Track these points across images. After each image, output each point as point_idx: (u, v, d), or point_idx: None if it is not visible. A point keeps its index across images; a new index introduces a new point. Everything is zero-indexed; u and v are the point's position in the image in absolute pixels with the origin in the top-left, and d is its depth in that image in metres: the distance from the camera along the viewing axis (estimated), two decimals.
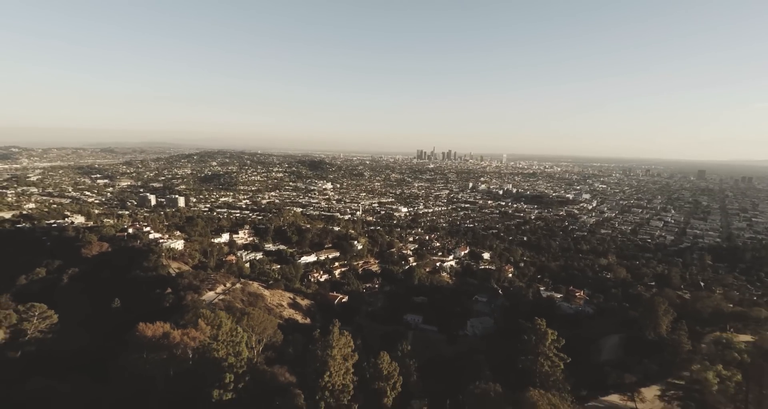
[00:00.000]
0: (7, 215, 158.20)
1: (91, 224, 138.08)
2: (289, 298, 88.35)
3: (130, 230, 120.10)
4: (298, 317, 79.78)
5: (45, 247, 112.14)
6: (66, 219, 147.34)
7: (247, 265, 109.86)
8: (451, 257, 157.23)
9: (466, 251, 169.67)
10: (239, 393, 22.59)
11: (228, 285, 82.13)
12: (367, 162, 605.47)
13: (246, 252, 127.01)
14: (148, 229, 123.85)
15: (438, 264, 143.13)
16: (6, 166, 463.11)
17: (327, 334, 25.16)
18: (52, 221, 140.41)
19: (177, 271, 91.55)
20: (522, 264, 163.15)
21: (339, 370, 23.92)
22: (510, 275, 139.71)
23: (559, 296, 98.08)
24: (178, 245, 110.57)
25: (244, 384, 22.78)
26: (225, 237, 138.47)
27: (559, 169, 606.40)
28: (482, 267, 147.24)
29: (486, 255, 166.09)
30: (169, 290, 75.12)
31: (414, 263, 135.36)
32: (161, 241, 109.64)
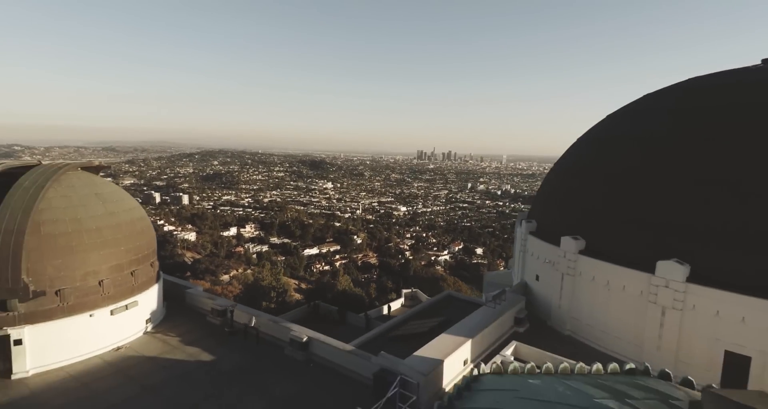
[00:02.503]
0: None
1: None
2: (295, 283, 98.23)
3: None
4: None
5: None
6: None
7: (255, 255, 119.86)
8: (445, 252, 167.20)
9: (460, 247, 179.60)
10: (279, 305, 32.91)
11: (240, 270, 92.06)
12: (368, 162, 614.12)
13: (253, 244, 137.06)
14: (161, 222, 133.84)
15: (433, 258, 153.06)
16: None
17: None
18: None
19: (192, 259, 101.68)
20: None
21: (343, 284, 34.81)
22: (501, 268, 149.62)
23: None
24: (191, 236, 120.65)
25: (283, 299, 33.35)
26: (233, 231, 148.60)
27: None
28: (475, 261, 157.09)
29: (479, 250, 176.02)
30: (189, 273, 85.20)
31: (410, 257, 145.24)
32: (175, 233, 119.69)
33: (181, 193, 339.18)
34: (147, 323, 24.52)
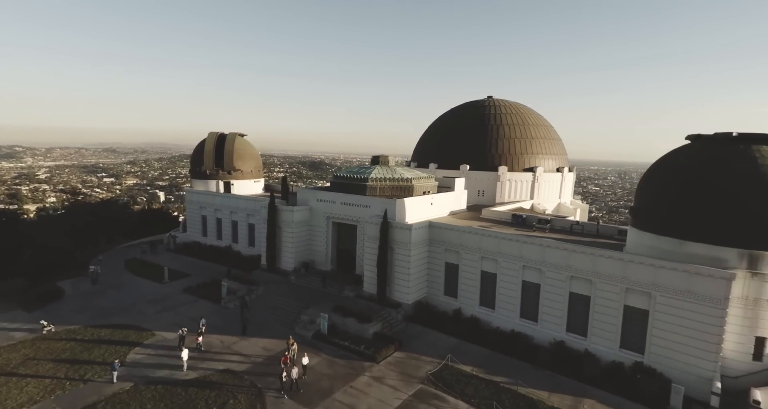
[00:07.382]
0: (32, 207, 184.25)
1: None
2: None
3: None
4: None
5: None
6: None
7: None
8: None
9: None
10: None
11: None
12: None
13: None
14: (176, 214, 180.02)
15: None
16: (12, 165, 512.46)
17: None
18: None
19: None
20: None
21: None
22: None
23: None
24: None
25: None
26: None
27: None
28: None
29: None
30: None
31: None
32: None
33: (184, 192, 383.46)
34: (263, 190, 74.99)
